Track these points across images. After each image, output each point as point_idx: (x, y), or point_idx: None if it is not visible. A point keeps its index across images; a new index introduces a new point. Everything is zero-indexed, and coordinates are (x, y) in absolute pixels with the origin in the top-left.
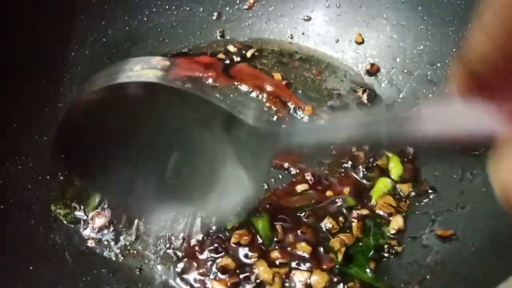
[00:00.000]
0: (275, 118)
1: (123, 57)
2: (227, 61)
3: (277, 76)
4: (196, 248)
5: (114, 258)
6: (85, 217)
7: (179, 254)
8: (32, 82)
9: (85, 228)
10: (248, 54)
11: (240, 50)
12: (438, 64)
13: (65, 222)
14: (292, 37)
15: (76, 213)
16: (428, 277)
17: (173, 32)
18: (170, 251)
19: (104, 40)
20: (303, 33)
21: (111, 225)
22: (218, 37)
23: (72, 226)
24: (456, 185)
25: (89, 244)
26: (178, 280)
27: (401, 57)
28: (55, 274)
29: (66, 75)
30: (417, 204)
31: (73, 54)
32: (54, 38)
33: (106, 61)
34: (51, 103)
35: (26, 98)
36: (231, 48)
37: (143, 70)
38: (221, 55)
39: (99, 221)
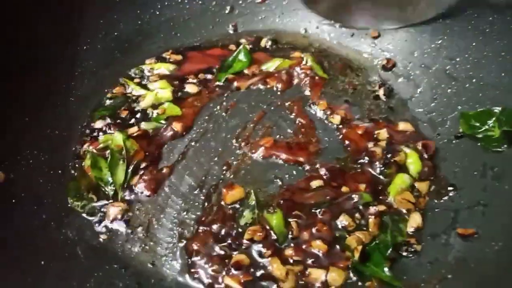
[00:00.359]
0: None
1: (134, 51)
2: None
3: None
4: (210, 242)
5: (126, 254)
6: (104, 203)
7: (192, 249)
8: (44, 76)
9: (99, 222)
10: (262, 44)
11: (253, 42)
12: (458, 59)
13: (83, 215)
14: (306, 31)
15: (93, 204)
16: (449, 276)
17: (185, 26)
18: (182, 246)
19: (115, 34)
20: (317, 27)
21: (124, 221)
22: (231, 31)
23: (85, 220)
24: (477, 182)
25: (101, 239)
26: (190, 276)
27: (419, 52)
28: (66, 268)
29: (77, 69)
30: (436, 201)
31: (84, 48)
32: (66, 33)
33: (117, 55)
34: (63, 96)
35: (38, 92)
36: (244, 41)
37: (156, 63)
38: (232, 47)
39: (114, 212)
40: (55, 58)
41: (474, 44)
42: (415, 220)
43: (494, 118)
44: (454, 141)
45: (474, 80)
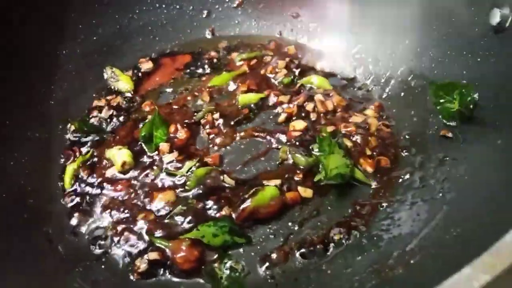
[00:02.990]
0: None
1: (114, 54)
2: None
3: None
4: None
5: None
6: None
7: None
8: (24, 80)
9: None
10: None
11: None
12: (423, 58)
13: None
14: (281, 34)
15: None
16: (412, 261)
17: (163, 30)
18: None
19: (94, 38)
20: (291, 30)
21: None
22: (208, 35)
23: (66, 219)
24: (438, 171)
25: (81, 237)
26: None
27: (386, 53)
28: (47, 265)
29: (57, 73)
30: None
31: (64, 52)
32: (45, 37)
33: (97, 59)
34: (43, 100)
35: (18, 96)
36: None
37: (121, 75)
38: (213, 54)
39: None
40: (34, 62)
41: (438, 44)
42: None
43: (457, 91)
44: (421, 137)
45: (438, 78)
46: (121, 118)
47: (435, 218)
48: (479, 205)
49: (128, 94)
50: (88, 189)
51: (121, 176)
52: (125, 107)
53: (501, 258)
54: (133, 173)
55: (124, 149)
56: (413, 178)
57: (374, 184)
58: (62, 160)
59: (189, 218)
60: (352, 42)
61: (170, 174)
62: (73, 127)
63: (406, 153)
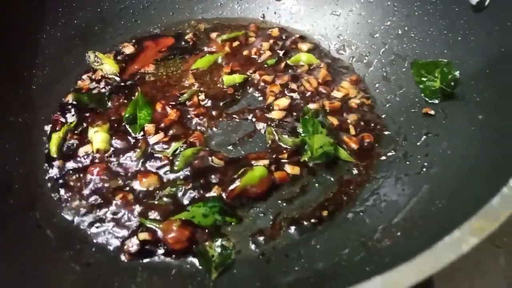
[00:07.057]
0: None
1: (95, 38)
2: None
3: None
4: None
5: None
6: None
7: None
8: (4, 65)
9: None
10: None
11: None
12: (405, 39)
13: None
14: (264, 17)
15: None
16: (399, 234)
17: (145, 13)
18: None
19: (75, 22)
20: (275, 12)
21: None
22: (190, 17)
23: (54, 203)
24: (420, 147)
25: (69, 220)
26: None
27: (370, 34)
28: (37, 250)
29: (38, 57)
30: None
31: (44, 36)
32: (24, 20)
33: (78, 42)
34: (25, 85)
35: None
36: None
37: (105, 59)
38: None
39: None
40: (15, 46)
41: (420, 24)
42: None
43: (438, 69)
44: (404, 116)
45: (420, 58)
46: (110, 95)
47: (420, 191)
48: (461, 178)
49: (115, 77)
50: (72, 171)
51: (103, 157)
52: (112, 88)
53: (489, 221)
54: (116, 155)
55: (102, 133)
56: (396, 154)
57: (358, 161)
58: (48, 136)
59: (179, 199)
60: (335, 24)
61: (156, 154)
62: (70, 98)
63: (388, 132)
